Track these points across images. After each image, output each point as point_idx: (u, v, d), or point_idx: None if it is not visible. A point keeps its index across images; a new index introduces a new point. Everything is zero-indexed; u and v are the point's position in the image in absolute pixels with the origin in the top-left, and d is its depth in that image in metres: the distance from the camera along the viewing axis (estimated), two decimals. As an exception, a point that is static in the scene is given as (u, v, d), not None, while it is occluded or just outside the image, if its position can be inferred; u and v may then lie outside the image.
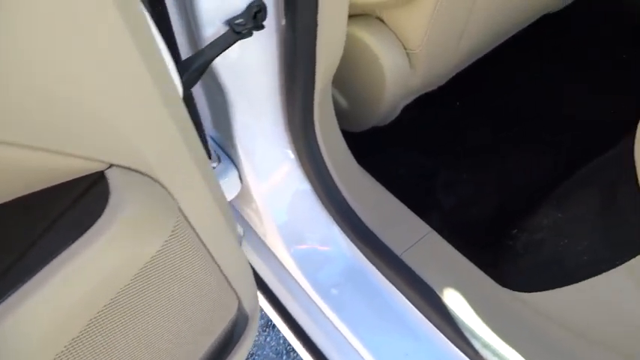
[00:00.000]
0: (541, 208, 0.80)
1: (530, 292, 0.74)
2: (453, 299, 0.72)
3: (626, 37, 1.20)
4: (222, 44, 0.53)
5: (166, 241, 0.38)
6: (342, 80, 0.94)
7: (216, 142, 0.83)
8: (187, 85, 0.51)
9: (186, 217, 0.41)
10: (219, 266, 0.50)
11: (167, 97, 0.36)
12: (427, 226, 0.80)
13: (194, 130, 0.45)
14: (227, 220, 0.52)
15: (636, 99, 0.67)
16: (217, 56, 0.53)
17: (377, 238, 0.78)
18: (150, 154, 0.35)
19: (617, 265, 0.70)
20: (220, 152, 0.82)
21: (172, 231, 0.38)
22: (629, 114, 0.64)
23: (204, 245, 0.46)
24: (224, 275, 0.52)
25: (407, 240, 0.79)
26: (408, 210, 0.82)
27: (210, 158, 0.80)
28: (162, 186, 0.37)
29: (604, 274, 0.70)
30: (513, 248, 0.80)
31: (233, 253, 0.54)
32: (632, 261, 0.68)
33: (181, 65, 0.49)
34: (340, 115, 1.02)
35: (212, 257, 0.48)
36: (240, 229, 1.02)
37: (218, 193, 0.50)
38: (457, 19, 0.77)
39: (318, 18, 0.57)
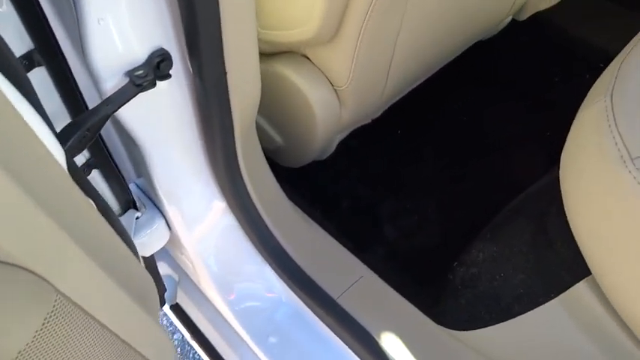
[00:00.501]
0: (477, 241, 0.79)
1: (469, 329, 0.72)
2: (391, 342, 0.70)
3: (554, 60, 1.23)
4: (121, 99, 0.50)
5: (38, 331, 0.34)
6: (275, 118, 0.92)
7: (141, 189, 0.79)
8: (78, 148, 0.47)
9: (72, 301, 0.37)
10: (129, 344, 0.46)
11: (33, 180, 0.33)
12: (364, 265, 0.77)
13: (84, 203, 0.41)
14: (140, 289, 0.49)
15: (567, 125, 0.68)
16: (115, 111, 0.50)
17: (313, 281, 0.75)
18: (13, 244, 0.32)
19: (552, 297, 0.69)
20: (146, 200, 0.78)
21: (46, 320, 0.35)
22: (560, 142, 0.64)
23: (105, 326, 0.42)
24: (137, 352, 0.48)
25: (343, 283, 0.76)
26: (344, 249, 0.80)
27: (135, 207, 0.76)
28: (34, 273, 0.34)
29: (539, 308, 0.69)
30: (453, 282, 0.79)
31: (144, 329, 0.50)
32: (566, 293, 0.68)
33: (70, 127, 0.46)
34: (277, 152, 1.00)
35: (117, 337, 0.44)
36: (175, 276, 0.98)
37: (120, 266, 0.47)
38: (382, 55, 0.77)
39: (226, 65, 0.54)
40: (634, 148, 0.49)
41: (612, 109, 0.53)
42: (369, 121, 0.99)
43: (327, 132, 0.86)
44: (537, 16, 1.30)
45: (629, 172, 0.48)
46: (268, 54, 0.83)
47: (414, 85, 1.03)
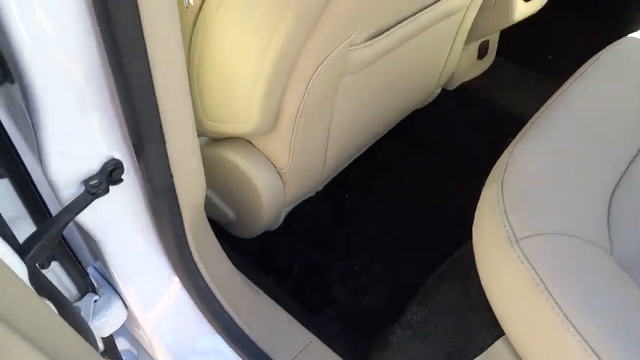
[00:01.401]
0: (413, 302, 0.87)
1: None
2: (337, 406, 0.75)
3: (480, 125, 1.37)
4: (77, 207, 0.57)
5: None
6: (225, 195, 0.99)
7: (99, 271, 0.84)
8: (39, 257, 0.53)
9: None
10: None
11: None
12: (310, 333, 0.84)
13: (42, 307, 0.47)
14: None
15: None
16: (73, 219, 0.56)
17: (262, 351, 0.81)
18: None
19: (477, 354, 0.77)
20: (103, 282, 0.83)
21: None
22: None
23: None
24: None
25: (292, 349, 0.82)
26: (291, 318, 0.86)
27: (93, 291, 0.81)
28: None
29: (467, 365, 0.77)
30: (392, 343, 0.86)
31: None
32: (488, 350, 0.75)
33: (31, 239, 0.52)
34: (230, 225, 1.07)
35: None
36: (134, 351, 1.01)
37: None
38: (317, 141, 0.86)
39: (172, 170, 0.62)
40: (519, 231, 0.59)
41: (502, 194, 0.63)
42: (314, 194, 1.08)
43: (273, 209, 0.94)
44: (464, 86, 1.44)
45: (515, 251, 0.58)
46: (215, 139, 0.92)
47: (354, 158, 1.13)
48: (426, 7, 0.89)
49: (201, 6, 0.69)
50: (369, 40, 0.80)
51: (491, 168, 0.71)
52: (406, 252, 1.12)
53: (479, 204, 0.72)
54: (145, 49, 0.50)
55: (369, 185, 1.26)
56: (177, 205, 0.66)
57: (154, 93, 0.54)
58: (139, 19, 0.48)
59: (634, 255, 0.61)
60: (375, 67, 0.87)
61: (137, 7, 0.47)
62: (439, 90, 1.36)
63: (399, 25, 0.85)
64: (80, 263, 0.75)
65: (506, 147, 0.73)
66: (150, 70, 0.52)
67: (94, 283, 0.83)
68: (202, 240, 0.80)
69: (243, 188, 0.90)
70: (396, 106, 1.11)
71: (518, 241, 0.58)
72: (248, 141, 0.89)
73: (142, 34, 0.49)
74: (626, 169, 0.68)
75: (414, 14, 0.88)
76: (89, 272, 0.82)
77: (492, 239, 0.63)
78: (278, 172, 0.89)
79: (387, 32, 0.83)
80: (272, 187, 0.89)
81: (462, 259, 0.88)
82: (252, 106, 0.76)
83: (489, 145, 1.30)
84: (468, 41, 1.23)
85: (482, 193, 0.70)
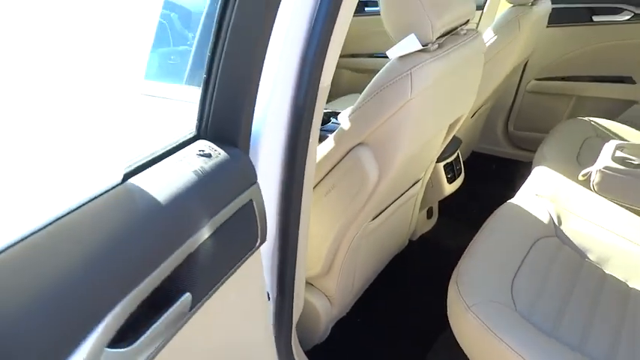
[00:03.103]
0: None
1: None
2: None
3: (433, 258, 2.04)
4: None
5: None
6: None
7: None
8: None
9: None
10: None
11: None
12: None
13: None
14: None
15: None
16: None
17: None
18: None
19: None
20: None
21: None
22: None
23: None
24: None
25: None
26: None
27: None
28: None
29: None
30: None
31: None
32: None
33: None
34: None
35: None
36: None
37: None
38: (350, 274, 1.49)
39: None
40: (469, 300, 1.21)
41: (457, 279, 1.27)
42: (345, 314, 1.66)
43: (326, 324, 1.51)
44: (421, 236, 2.15)
45: (469, 314, 1.20)
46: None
47: (367, 286, 1.75)
48: (403, 194, 1.61)
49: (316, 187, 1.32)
50: (374, 218, 1.49)
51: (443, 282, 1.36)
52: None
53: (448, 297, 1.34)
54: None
55: (378, 311, 1.85)
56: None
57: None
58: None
59: (527, 310, 1.24)
60: (375, 233, 1.54)
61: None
62: (407, 241, 2.06)
63: (389, 205, 1.55)
64: None
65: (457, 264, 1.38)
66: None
67: None
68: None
69: (307, 313, 1.48)
70: (387, 252, 1.77)
71: (469, 307, 1.20)
72: (310, 283, 1.50)
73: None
74: (522, 262, 1.35)
75: (398, 198, 1.59)
76: None
77: (456, 307, 1.24)
78: (328, 298, 1.49)
79: (385, 210, 1.52)
80: (325, 308, 1.48)
81: (442, 346, 1.46)
82: (319, 259, 1.39)
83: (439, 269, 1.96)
84: (420, 209, 1.96)
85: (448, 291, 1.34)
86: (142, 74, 0.52)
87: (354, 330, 1.77)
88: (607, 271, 1.44)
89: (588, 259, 1.48)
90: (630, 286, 1.41)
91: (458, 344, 1.31)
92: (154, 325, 0.48)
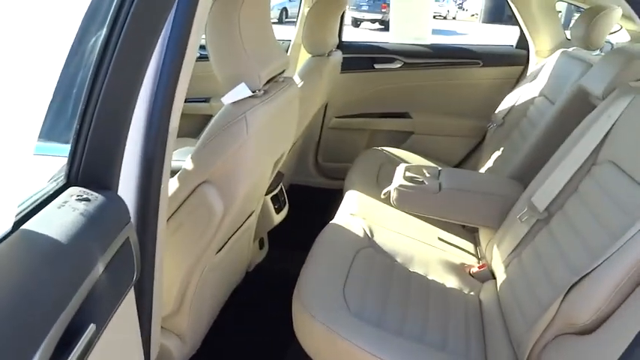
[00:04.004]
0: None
1: None
2: None
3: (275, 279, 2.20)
4: None
5: None
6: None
7: None
8: None
9: None
10: None
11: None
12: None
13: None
14: None
15: None
16: None
17: None
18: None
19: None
20: None
21: None
22: None
23: None
24: None
25: None
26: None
27: None
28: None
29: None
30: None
31: None
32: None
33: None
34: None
35: None
36: None
37: None
38: (199, 310, 1.54)
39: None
40: (312, 311, 1.39)
41: (299, 295, 1.43)
42: (194, 351, 1.70)
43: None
44: (258, 265, 2.29)
45: (314, 322, 1.37)
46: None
47: (213, 320, 1.81)
48: (240, 226, 1.73)
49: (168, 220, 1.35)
50: (218, 251, 1.58)
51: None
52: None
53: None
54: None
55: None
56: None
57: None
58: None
59: (359, 310, 1.46)
60: (219, 266, 1.63)
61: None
62: (245, 272, 2.17)
63: (230, 238, 1.65)
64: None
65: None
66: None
67: None
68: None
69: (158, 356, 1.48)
70: (229, 285, 1.86)
71: (314, 317, 1.38)
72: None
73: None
74: (348, 272, 1.57)
75: (237, 230, 1.70)
76: None
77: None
78: (178, 337, 1.52)
79: (227, 243, 1.62)
80: (178, 346, 1.50)
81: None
82: (169, 300, 1.42)
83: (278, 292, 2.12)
84: (253, 240, 2.10)
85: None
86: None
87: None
88: (411, 269, 1.77)
89: (397, 261, 1.80)
90: (430, 278, 1.76)
91: (305, 354, 1.47)
92: (70, 356, 0.51)
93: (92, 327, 0.57)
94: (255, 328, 1.99)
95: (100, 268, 0.61)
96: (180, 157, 1.37)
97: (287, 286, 1.57)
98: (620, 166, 1.43)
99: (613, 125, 1.55)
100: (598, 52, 2.44)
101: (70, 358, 0.53)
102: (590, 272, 1.20)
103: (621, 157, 1.45)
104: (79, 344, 0.55)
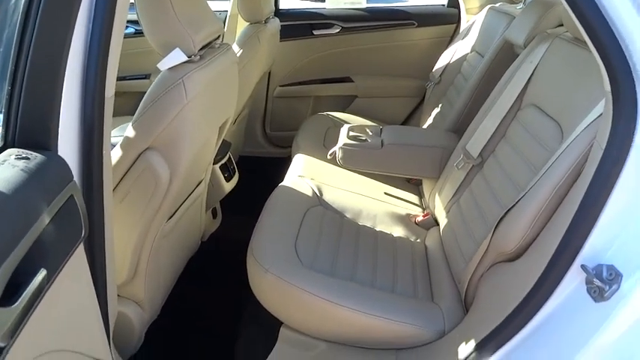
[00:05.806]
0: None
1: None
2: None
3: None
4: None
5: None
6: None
7: None
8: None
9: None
10: None
11: None
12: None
13: None
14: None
15: None
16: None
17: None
18: None
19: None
20: None
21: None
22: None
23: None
24: None
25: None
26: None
27: None
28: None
29: None
30: None
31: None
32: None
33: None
34: None
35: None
36: None
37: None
38: (155, 276, 1.57)
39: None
40: (265, 264, 1.45)
41: (252, 252, 1.49)
42: (155, 317, 1.73)
43: (140, 330, 1.57)
44: (212, 235, 2.32)
45: (268, 275, 1.43)
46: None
47: (171, 287, 1.84)
48: (190, 195, 1.75)
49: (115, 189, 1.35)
50: (170, 219, 1.60)
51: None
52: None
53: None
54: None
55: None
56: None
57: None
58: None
59: (310, 263, 1.53)
60: (172, 233, 1.66)
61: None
62: (199, 242, 2.20)
63: (180, 206, 1.68)
64: None
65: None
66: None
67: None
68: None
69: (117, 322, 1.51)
70: (184, 253, 1.89)
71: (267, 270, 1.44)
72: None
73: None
74: (299, 228, 1.64)
75: (186, 199, 1.72)
76: None
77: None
78: (137, 303, 1.55)
79: (177, 211, 1.65)
80: (137, 313, 1.54)
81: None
82: (123, 268, 1.44)
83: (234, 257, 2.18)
84: (206, 210, 2.13)
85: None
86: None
87: (167, 331, 1.84)
88: (360, 223, 1.86)
89: (346, 217, 1.88)
90: (378, 229, 1.85)
91: (263, 310, 1.54)
92: (25, 292, 0.55)
93: (43, 271, 0.60)
94: (215, 293, 2.04)
95: (45, 219, 0.64)
96: (122, 133, 1.37)
97: (243, 252, 1.61)
98: (541, 108, 1.54)
99: (534, 71, 1.66)
100: (522, 5, 2.57)
101: (21, 298, 0.57)
102: (514, 205, 1.31)
103: (542, 99, 1.57)
104: (29, 287, 0.58)
